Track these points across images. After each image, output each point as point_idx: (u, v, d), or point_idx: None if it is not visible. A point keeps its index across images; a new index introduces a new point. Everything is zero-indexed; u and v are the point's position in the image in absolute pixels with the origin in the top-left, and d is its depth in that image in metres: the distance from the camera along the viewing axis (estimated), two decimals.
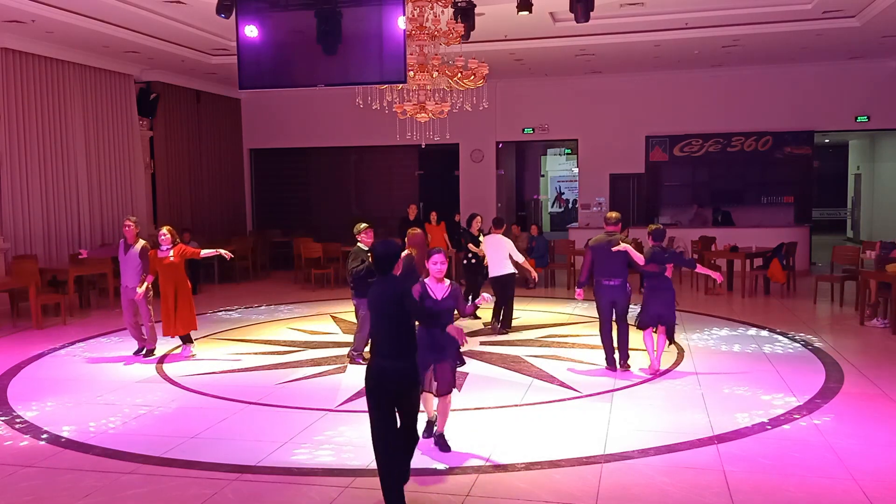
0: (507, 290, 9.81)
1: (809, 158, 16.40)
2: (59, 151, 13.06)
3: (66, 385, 7.65)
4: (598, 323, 8.09)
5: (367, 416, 4.58)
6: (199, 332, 10.27)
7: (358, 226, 8.29)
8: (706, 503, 4.64)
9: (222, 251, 8.68)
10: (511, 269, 9.76)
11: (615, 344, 7.90)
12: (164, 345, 9.14)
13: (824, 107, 15.86)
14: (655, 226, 7.89)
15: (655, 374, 7.67)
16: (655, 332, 7.75)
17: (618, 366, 7.85)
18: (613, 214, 7.97)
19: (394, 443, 4.51)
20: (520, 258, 9.86)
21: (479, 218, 10.94)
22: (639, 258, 7.64)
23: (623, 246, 7.56)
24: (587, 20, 9.10)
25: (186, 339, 8.84)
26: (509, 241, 9.86)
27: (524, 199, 21.47)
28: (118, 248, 8.93)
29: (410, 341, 4.59)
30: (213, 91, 17.06)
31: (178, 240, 8.70)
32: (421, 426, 5.21)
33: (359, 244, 8.18)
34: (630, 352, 7.95)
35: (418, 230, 8.07)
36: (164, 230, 8.62)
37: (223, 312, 11.89)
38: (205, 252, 8.79)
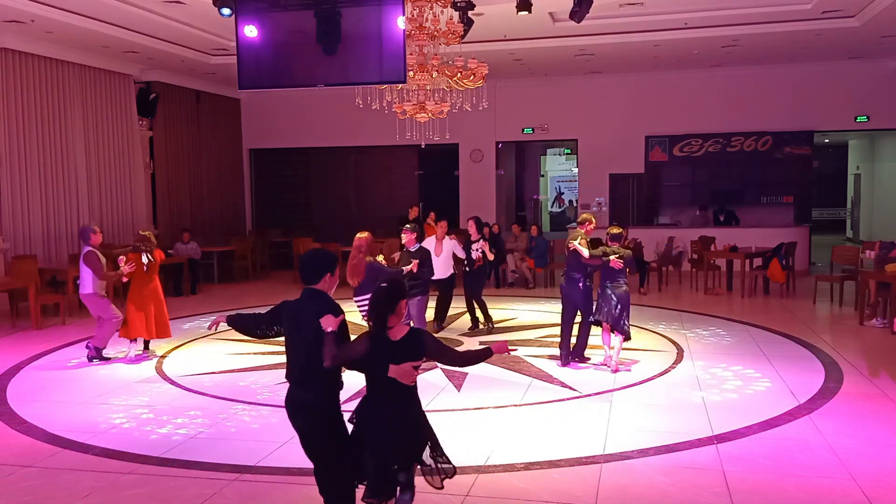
0: (450, 291, 10.05)
1: (809, 158, 16.40)
2: (58, 151, 13.05)
3: (66, 385, 7.65)
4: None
5: None
6: (199, 332, 10.32)
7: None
8: (706, 503, 4.65)
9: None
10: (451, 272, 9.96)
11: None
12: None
13: (824, 107, 15.85)
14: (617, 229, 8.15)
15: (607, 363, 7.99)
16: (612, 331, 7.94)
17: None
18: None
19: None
20: (461, 254, 10.06)
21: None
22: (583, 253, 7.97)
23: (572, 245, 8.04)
24: (581, 21, 9.13)
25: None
26: (454, 242, 9.97)
27: (524, 199, 21.48)
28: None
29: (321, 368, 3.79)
30: (212, 91, 17.05)
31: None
32: None
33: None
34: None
35: (365, 234, 7.92)
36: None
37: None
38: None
